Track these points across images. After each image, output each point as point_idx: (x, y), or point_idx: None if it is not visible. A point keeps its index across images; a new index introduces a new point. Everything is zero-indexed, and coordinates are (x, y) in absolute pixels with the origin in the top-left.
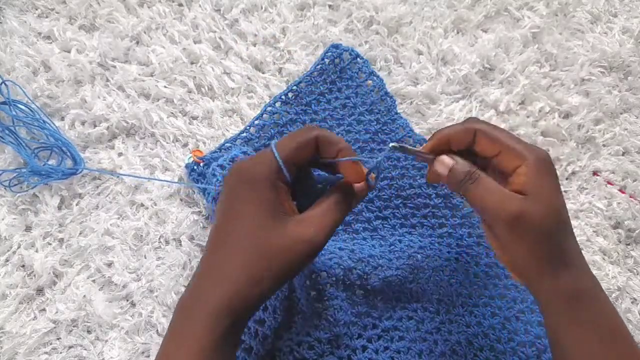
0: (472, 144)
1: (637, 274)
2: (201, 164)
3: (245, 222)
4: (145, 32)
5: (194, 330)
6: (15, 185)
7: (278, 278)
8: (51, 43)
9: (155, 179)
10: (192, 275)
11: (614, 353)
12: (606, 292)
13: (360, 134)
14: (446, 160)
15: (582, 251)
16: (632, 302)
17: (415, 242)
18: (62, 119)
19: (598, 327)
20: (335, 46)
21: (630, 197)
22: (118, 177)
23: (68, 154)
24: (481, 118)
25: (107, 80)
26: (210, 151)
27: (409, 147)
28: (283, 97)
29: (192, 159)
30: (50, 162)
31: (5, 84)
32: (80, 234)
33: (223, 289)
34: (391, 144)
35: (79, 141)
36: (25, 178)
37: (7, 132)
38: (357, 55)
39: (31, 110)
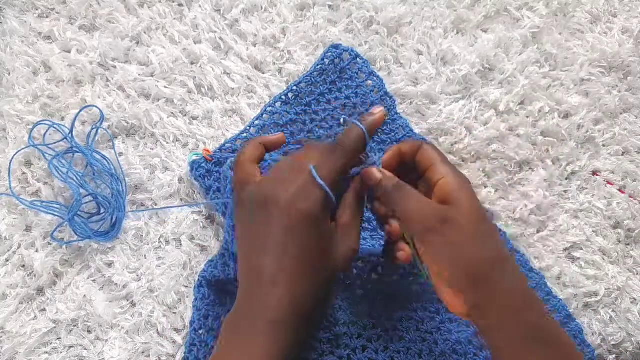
0: (415, 156)
1: (637, 274)
2: (210, 162)
3: (303, 257)
4: (145, 33)
5: (253, 350)
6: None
7: (330, 289)
8: (51, 43)
9: (185, 206)
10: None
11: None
12: (606, 291)
13: None
14: (375, 172)
15: (582, 250)
16: (632, 302)
17: None
18: (62, 119)
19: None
20: (335, 46)
21: (630, 197)
22: (144, 211)
23: (113, 217)
24: (481, 118)
25: (108, 80)
26: (212, 151)
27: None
28: (283, 97)
29: (202, 156)
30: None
31: (97, 130)
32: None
33: (287, 309)
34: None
35: (79, 141)
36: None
37: (72, 175)
38: (357, 56)
39: (108, 163)
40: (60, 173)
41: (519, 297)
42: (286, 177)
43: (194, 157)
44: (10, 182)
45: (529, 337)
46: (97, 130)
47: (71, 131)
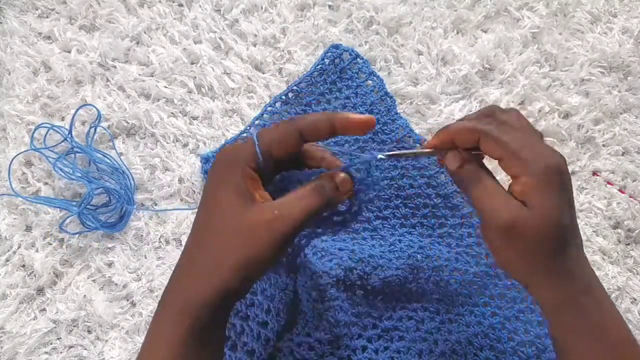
0: (477, 145)
1: (637, 274)
2: None
3: (213, 203)
4: (145, 33)
5: (162, 329)
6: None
7: (238, 266)
8: (51, 43)
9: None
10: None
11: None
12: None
13: None
14: (453, 158)
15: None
16: (632, 302)
17: (415, 242)
18: (62, 119)
19: (598, 338)
20: (335, 46)
21: (630, 197)
22: (156, 212)
23: (122, 209)
24: None
25: (108, 80)
26: (211, 151)
27: (401, 151)
28: (283, 97)
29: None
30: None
31: (95, 129)
32: (80, 234)
33: (184, 283)
34: (379, 155)
35: (79, 140)
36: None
37: (79, 173)
38: (357, 56)
39: (109, 160)
40: (66, 173)
41: (573, 305)
42: None
43: (209, 154)
44: (10, 182)
45: (575, 330)
46: (95, 130)
47: (70, 132)
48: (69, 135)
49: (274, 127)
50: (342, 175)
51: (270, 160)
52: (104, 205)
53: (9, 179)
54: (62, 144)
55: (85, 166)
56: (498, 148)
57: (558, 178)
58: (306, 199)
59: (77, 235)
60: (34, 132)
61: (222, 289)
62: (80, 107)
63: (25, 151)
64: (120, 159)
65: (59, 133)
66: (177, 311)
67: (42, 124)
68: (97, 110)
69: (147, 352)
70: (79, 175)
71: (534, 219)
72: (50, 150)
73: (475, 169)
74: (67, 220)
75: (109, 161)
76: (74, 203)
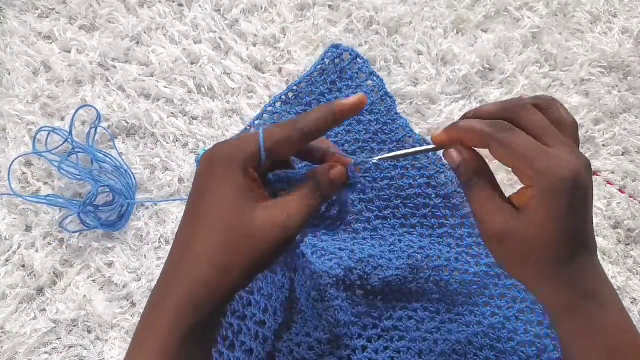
0: (487, 147)
1: (637, 274)
2: None
3: (214, 202)
4: (145, 33)
5: (157, 328)
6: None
7: (248, 267)
8: (51, 43)
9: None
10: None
11: None
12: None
13: (360, 134)
14: (453, 156)
15: None
16: (632, 302)
17: (415, 242)
18: (62, 119)
19: (599, 343)
20: (336, 46)
21: (630, 197)
22: (155, 204)
23: (123, 207)
24: None
25: (108, 80)
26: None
27: (400, 152)
28: (283, 97)
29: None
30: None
31: (96, 129)
32: (80, 234)
33: (186, 281)
34: (375, 159)
35: (80, 141)
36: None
37: (84, 172)
38: (357, 56)
39: (111, 159)
40: (72, 174)
41: (577, 309)
42: None
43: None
44: (10, 182)
45: (580, 332)
46: (95, 130)
47: (70, 133)
48: (70, 136)
49: (277, 128)
50: (338, 168)
51: (270, 160)
52: (105, 204)
53: (9, 179)
54: (63, 145)
55: (87, 166)
56: (509, 157)
57: (567, 189)
58: (308, 199)
59: (77, 235)
60: (35, 136)
61: (230, 289)
62: (80, 107)
63: (27, 154)
64: (122, 158)
65: (61, 136)
66: (183, 303)
67: (42, 127)
68: (97, 110)
69: (139, 344)
70: (84, 174)
71: (525, 231)
72: (52, 154)
73: (474, 169)
74: (68, 220)
75: (111, 160)
76: (75, 202)
